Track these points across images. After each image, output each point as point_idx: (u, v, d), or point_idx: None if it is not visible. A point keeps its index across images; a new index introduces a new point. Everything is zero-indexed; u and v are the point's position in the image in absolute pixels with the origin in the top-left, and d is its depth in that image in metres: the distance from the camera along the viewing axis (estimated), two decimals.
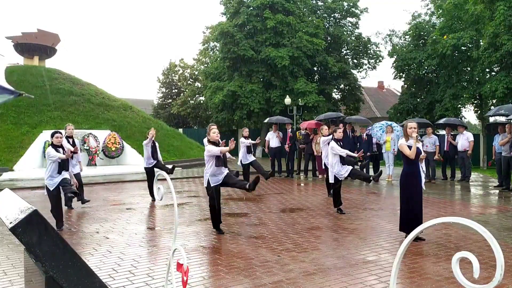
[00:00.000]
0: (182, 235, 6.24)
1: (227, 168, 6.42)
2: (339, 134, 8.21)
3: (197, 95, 38.62)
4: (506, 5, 17.87)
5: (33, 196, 10.38)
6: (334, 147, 8.03)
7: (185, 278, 2.78)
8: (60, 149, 6.85)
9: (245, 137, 11.39)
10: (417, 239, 5.75)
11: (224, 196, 10.16)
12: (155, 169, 9.49)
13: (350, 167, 8.04)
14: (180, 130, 31.58)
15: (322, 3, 30.61)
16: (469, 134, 13.37)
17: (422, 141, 12.78)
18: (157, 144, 9.78)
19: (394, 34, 29.00)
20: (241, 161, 11.23)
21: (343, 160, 8.02)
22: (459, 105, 22.49)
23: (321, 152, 10.22)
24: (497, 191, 11.23)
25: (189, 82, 40.18)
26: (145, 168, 9.76)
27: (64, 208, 8.50)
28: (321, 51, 26.50)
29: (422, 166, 6.48)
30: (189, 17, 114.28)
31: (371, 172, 14.57)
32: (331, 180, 8.25)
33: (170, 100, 40.82)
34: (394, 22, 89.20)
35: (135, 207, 8.90)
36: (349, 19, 30.93)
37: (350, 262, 4.87)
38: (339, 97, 31.77)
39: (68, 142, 8.44)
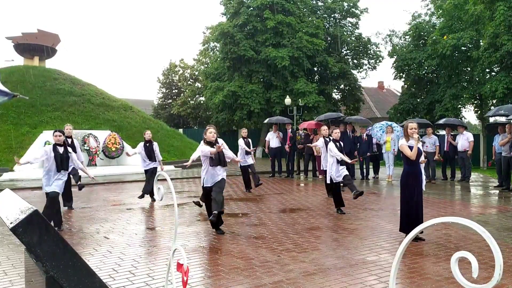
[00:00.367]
0: (182, 235, 6.25)
1: (224, 170, 6.39)
2: (336, 135, 8.20)
3: (197, 96, 38.65)
4: (506, 5, 17.88)
5: (33, 196, 10.40)
6: (332, 148, 8.03)
7: (185, 278, 2.78)
8: (61, 148, 6.75)
9: (244, 138, 11.35)
10: (417, 239, 5.75)
11: (225, 197, 10.16)
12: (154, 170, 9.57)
13: (345, 173, 8.02)
14: (180, 130, 31.62)
15: (322, 4, 30.63)
16: (469, 134, 13.37)
17: (423, 142, 12.83)
18: (154, 145, 9.72)
19: (394, 34, 29.03)
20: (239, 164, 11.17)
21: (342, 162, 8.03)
22: (459, 105, 22.50)
23: (321, 153, 10.21)
24: (497, 191, 11.24)
25: (189, 82, 40.20)
26: (144, 170, 9.84)
27: (64, 208, 8.53)
28: (321, 51, 26.50)
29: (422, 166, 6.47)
30: (189, 18, 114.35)
31: (371, 172, 14.61)
32: (328, 181, 8.28)
33: (170, 101, 40.85)
34: (394, 22, 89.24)
35: (135, 208, 8.91)
36: (349, 19, 30.96)
37: (350, 262, 4.88)
38: (339, 97, 31.79)
39: (67, 142, 8.40)
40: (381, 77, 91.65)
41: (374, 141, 14.17)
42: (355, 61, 31.70)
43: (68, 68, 72.18)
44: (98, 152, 17.33)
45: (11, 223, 1.90)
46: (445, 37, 21.75)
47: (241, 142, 11.32)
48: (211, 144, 6.31)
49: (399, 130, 13.86)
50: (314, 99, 24.84)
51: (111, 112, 21.40)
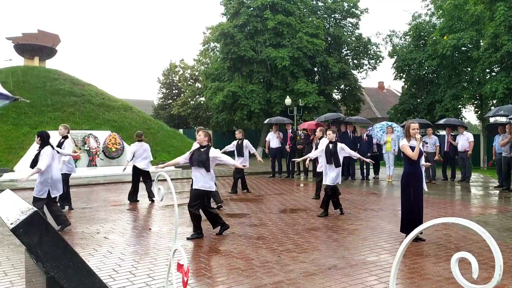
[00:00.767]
0: (182, 235, 6.25)
1: (200, 172, 6.09)
2: (330, 136, 8.08)
3: (197, 96, 38.64)
4: (506, 6, 17.88)
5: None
6: (344, 148, 7.91)
7: (185, 279, 2.78)
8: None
9: (238, 139, 10.85)
10: (417, 239, 5.75)
11: (224, 197, 10.17)
12: (154, 170, 9.61)
13: (332, 178, 7.74)
14: (181, 130, 31.60)
15: (323, 4, 30.62)
16: (469, 134, 13.37)
17: (426, 143, 12.83)
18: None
19: (394, 35, 29.02)
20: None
21: (335, 163, 7.83)
22: (459, 106, 22.50)
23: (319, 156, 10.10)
24: (497, 191, 11.23)
25: (189, 82, 40.19)
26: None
27: (65, 208, 8.54)
28: (321, 51, 26.50)
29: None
30: (190, 18, 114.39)
31: (371, 173, 14.61)
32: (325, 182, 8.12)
33: (171, 101, 40.84)
34: (395, 23, 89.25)
35: (135, 208, 8.91)
36: (349, 19, 30.95)
37: (350, 263, 4.88)
38: (340, 97, 31.78)
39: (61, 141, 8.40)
40: (381, 77, 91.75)
41: (375, 141, 14.17)
42: (355, 61, 31.70)
43: (68, 69, 72.33)
44: (98, 153, 17.34)
45: (11, 223, 1.91)
46: (445, 37, 21.75)
47: (234, 143, 10.78)
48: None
49: (399, 131, 13.86)
50: (314, 99, 24.84)
51: (111, 113, 21.40)
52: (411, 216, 5.80)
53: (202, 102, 37.29)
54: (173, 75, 41.33)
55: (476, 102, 24.15)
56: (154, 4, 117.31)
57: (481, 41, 20.81)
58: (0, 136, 17.23)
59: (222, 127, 29.13)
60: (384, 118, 28.23)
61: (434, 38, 22.62)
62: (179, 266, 2.87)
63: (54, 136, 7.86)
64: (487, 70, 21.15)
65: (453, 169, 14.00)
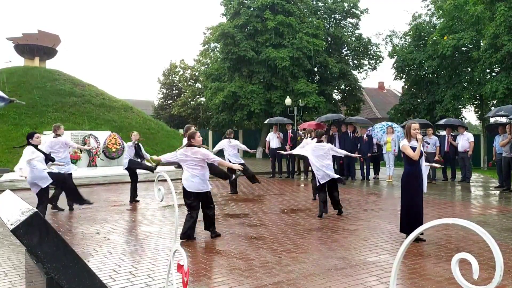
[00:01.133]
0: None
1: (202, 173, 6.01)
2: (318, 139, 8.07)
3: (197, 96, 38.66)
4: (507, 6, 17.88)
5: (34, 197, 10.36)
6: (333, 148, 8.04)
7: (185, 279, 2.78)
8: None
9: (230, 138, 10.69)
10: (417, 239, 5.74)
11: (224, 197, 10.17)
12: (155, 170, 9.68)
13: (319, 178, 7.67)
14: (181, 130, 31.59)
15: (323, 4, 30.64)
16: (469, 134, 13.37)
17: (428, 143, 12.82)
18: (141, 145, 9.95)
19: (395, 35, 29.05)
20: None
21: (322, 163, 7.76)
22: (460, 106, 22.51)
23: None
24: (498, 191, 11.23)
25: (189, 83, 40.21)
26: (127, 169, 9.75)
27: (65, 209, 8.55)
28: (321, 51, 26.51)
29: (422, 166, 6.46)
30: (190, 18, 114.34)
31: (372, 173, 14.59)
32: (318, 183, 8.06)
33: (171, 101, 40.85)
34: (395, 23, 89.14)
35: (135, 208, 8.91)
36: (349, 20, 30.97)
37: (350, 263, 4.88)
38: (340, 97, 31.79)
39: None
40: (381, 78, 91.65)
41: (375, 141, 14.17)
42: (355, 61, 31.71)
43: (68, 69, 72.27)
44: (98, 153, 17.35)
45: (11, 224, 1.91)
46: (445, 37, 21.75)
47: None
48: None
49: (399, 131, 13.86)
50: (314, 99, 24.84)
51: (111, 113, 21.41)
52: (411, 216, 5.79)
53: (202, 102, 37.32)
54: (173, 75, 41.35)
55: (476, 102, 24.16)
56: (154, 5, 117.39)
57: (481, 41, 20.82)
58: (0, 136, 17.24)
59: (222, 128, 29.16)
60: (384, 118, 28.24)
61: (434, 38, 22.62)
62: (179, 267, 2.87)
63: (50, 137, 8.25)
64: (487, 71, 21.15)
65: (453, 169, 14.00)
